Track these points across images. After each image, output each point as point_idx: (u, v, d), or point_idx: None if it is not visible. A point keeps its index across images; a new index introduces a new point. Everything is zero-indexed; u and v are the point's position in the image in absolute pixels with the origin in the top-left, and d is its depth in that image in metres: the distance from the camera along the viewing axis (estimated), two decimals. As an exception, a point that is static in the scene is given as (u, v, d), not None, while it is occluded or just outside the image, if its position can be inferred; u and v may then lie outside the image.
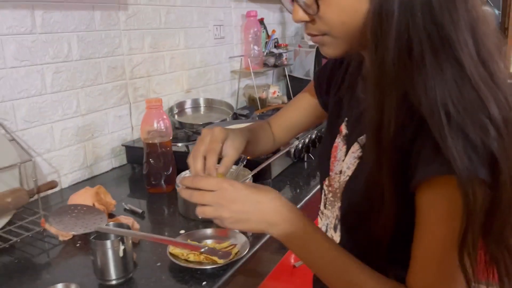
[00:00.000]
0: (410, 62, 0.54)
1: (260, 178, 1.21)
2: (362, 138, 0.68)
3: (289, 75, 2.37)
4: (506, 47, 0.67)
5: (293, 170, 1.35)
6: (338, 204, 0.74)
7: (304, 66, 2.30)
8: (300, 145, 1.38)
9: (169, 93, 1.67)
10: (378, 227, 0.61)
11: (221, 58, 1.97)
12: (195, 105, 1.76)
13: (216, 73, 1.94)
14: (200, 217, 0.66)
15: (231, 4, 2.00)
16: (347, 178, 0.70)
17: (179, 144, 1.44)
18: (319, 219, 0.83)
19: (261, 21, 2.17)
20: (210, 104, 1.80)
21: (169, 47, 1.64)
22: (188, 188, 0.65)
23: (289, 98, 2.34)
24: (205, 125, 1.52)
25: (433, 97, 0.52)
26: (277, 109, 1.96)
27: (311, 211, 1.17)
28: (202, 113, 1.76)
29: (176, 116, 1.64)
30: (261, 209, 0.63)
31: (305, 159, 1.42)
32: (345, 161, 0.72)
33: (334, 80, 0.83)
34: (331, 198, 0.76)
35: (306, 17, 0.61)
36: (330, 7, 0.58)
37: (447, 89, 0.52)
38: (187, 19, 1.72)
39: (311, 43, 2.27)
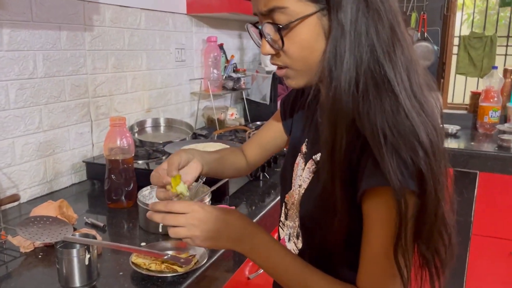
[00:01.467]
0: (357, 94, 0.64)
1: (218, 195, 1.28)
2: (317, 156, 0.78)
3: (246, 99, 2.47)
4: (436, 82, 0.80)
5: (249, 188, 1.43)
6: (298, 214, 0.83)
7: (261, 90, 2.41)
8: (256, 165, 1.47)
9: (130, 112, 1.71)
10: (332, 234, 0.70)
11: (182, 80, 2.04)
12: (155, 124, 1.82)
13: (176, 94, 2.01)
14: (172, 237, 0.72)
15: (193, 29, 2.09)
16: (303, 190, 0.80)
17: (140, 162, 1.48)
18: (280, 230, 0.91)
19: (221, 46, 2.27)
20: (170, 123, 1.86)
21: (132, 68, 1.70)
22: (159, 212, 0.72)
23: (246, 120, 2.44)
24: (165, 143, 1.58)
25: (374, 122, 0.63)
26: (235, 131, 2.05)
27: (265, 226, 1.26)
28: (162, 132, 1.82)
29: (136, 135, 1.69)
30: (229, 228, 0.71)
31: (261, 178, 1.51)
32: (302, 176, 0.81)
33: (297, 106, 0.93)
34: (293, 209, 0.85)
35: (272, 51, 0.71)
36: (294, 44, 0.68)
37: (385, 117, 0.63)
38: (150, 42, 1.79)
39: (268, 69, 2.39)
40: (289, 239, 0.87)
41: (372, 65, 0.64)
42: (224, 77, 2.25)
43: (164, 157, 1.55)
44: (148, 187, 1.19)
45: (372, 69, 0.64)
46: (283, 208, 0.89)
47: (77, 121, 1.46)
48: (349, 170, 0.67)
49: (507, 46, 2.84)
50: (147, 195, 1.18)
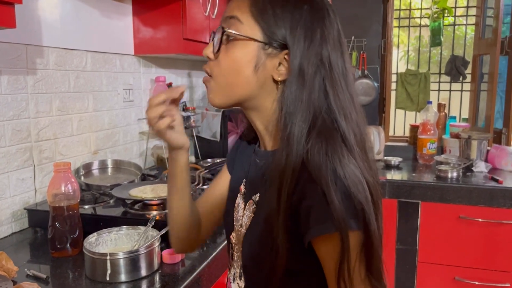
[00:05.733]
0: (308, 139, 0.68)
1: (168, 238, 1.26)
2: (256, 196, 0.80)
3: (197, 136, 2.49)
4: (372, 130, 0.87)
5: (200, 229, 1.42)
6: (240, 255, 0.83)
7: (211, 127, 2.44)
8: (207, 205, 1.47)
9: (76, 155, 1.67)
10: (273, 273, 0.71)
11: (130, 120, 2.03)
12: (103, 166, 1.78)
13: (124, 135, 1.99)
14: None
15: (141, 69, 2.10)
16: (245, 231, 0.81)
17: (86, 206, 1.44)
18: (228, 271, 0.91)
19: (170, 85, 2.29)
20: (118, 165, 1.83)
21: (78, 110, 1.67)
22: None
23: (197, 158, 2.44)
24: (112, 186, 1.55)
25: (325, 167, 0.66)
26: (185, 169, 2.04)
27: (216, 268, 1.25)
28: (109, 174, 1.78)
29: (82, 178, 1.64)
30: None
31: (212, 218, 1.51)
32: (243, 216, 0.83)
33: (238, 150, 0.95)
34: (236, 250, 0.85)
35: (211, 55, 0.74)
36: (227, 57, 0.72)
37: (333, 162, 0.66)
38: (97, 83, 1.78)
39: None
40: (233, 280, 0.87)
41: (326, 114, 0.69)
42: (173, 116, 2.25)
43: (111, 201, 1.51)
44: (95, 233, 1.16)
45: (326, 118, 0.69)
46: (230, 249, 0.89)
47: (18, 167, 1.40)
48: (291, 210, 0.68)
49: (439, 82, 3.07)
50: (94, 242, 1.14)
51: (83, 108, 1.70)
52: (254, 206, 0.80)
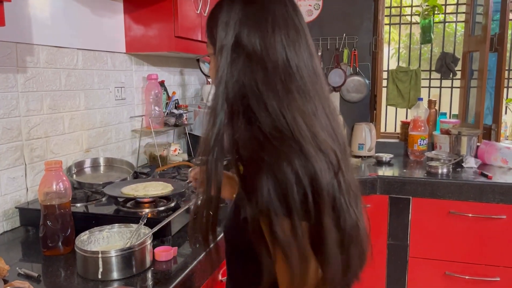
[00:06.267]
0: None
1: (160, 236, 1.27)
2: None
3: (189, 134, 2.49)
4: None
5: (192, 226, 1.42)
6: None
7: (203, 125, 2.44)
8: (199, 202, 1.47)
9: (68, 153, 1.67)
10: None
11: (122, 118, 2.03)
12: (95, 164, 1.78)
13: (116, 133, 1.99)
14: None
15: (133, 67, 2.10)
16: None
17: (78, 205, 1.44)
18: None
19: (162, 83, 2.29)
20: (110, 163, 1.83)
21: (69, 108, 1.67)
22: None
23: (189, 156, 2.44)
24: (105, 184, 1.55)
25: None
26: (178, 167, 2.05)
27: (210, 263, 1.26)
28: (102, 172, 1.78)
29: (74, 176, 1.64)
30: None
31: (204, 215, 1.51)
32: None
33: None
34: None
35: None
36: (210, 70, 0.89)
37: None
38: (88, 81, 1.77)
39: (209, 104, 2.42)
40: None
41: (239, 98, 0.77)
42: (166, 113, 2.26)
43: (104, 199, 1.51)
44: (87, 231, 1.16)
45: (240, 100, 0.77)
46: None
47: (9, 165, 1.40)
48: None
49: (430, 79, 3.09)
50: (86, 240, 1.15)
51: (74, 106, 1.70)
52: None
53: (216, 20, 0.81)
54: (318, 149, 0.72)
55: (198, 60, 1.06)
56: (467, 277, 2.20)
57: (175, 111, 2.32)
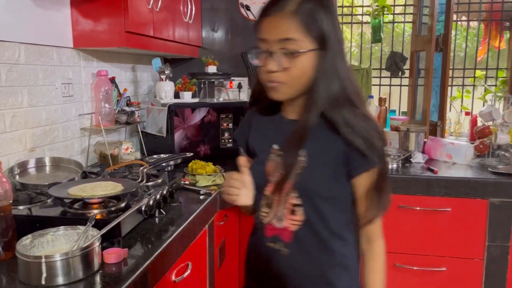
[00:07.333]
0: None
1: (110, 237, 1.22)
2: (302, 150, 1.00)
3: (142, 131, 2.43)
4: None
5: (144, 227, 1.39)
6: (294, 195, 1.02)
7: (157, 123, 2.39)
8: (151, 201, 1.44)
9: (10, 153, 1.58)
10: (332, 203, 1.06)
11: (70, 115, 1.95)
12: (40, 165, 1.70)
13: (64, 131, 1.91)
14: None
15: (81, 63, 2.01)
16: (299, 175, 1.01)
17: (21, 207, 1.37)
18: (264, 218, 1.08)
19: (113, 80, 2.21)
20: (57, 163, 1.75)
21: (11, 106, 1.58)
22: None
23: (142, 154, 2.38)
24: (50, 185, 1.48)
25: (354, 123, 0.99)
26: (129, 166, 1.99)
27: (163, 264, 1.23)
28: (47, 172, 1.70)
29: (17, 177, 1.56)
30: None
31: (156, 215, 1.48)
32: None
33: (251, 127, 1.15)
34: (281, 196, 1.03)
35: (276, 69, 0.95)
36: (296, 67, 0.95)
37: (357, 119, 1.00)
38: (32, 77, 1.68)
39: (163, 101, 2.37)
40: (281, 220, 1.05)
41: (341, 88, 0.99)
42: (117, 111, 2.19)
43: (49, 200, 1.44)
44: (29, 235, 1.10)
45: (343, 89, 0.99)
46: (263, 201, 1.07)
47: None
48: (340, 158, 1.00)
49: (380, 77, 3.19)
50: (28, 245, 1.09)
51: (16, 103, 1.61)
52: (303, 158, 1.01)
53: (319, 15, 0.94)
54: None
55: (245, 53, 1.21)
56: (415, 268, 2.29)
57: (127, 108, 2.25)
